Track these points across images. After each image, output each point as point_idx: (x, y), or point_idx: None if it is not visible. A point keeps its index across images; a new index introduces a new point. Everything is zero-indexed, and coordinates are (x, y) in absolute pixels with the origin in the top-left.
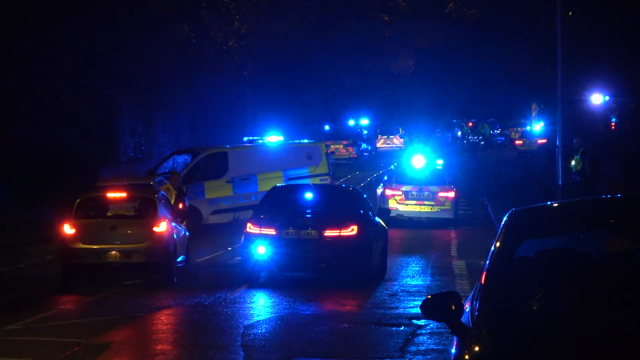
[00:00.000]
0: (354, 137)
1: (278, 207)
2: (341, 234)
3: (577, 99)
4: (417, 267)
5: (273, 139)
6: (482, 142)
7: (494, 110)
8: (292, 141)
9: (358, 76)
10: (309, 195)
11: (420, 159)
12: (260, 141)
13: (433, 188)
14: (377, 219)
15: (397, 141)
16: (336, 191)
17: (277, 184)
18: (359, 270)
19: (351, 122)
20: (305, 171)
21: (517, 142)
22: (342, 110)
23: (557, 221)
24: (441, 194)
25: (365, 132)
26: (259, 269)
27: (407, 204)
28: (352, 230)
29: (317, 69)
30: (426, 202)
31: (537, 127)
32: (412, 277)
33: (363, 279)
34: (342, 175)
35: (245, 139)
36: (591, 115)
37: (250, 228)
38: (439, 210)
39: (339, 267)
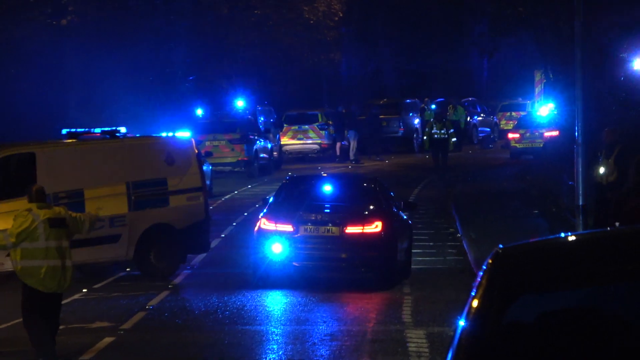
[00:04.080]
0: (244, 127)
1: (294, 200)
2: (364, 230)
3: (612, 57)
4: (350, 341)
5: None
6: (454, 139)
7: (473, 85)
8: (143, 136)
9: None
10: (327, 188)
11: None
12: (95, 134)
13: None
14: (402, 213)
15: (315, 135)
16: (357, 182)
17: (292, 174)
18: (383, 271)
19: (240, 103)
20: (162, 184)
21: (510, 135)
22: (224, 81)
23: (571, 266)
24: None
25: (261, 118)
26: (273, 268)
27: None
28: (376, 227)
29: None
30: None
31: (543, 110)
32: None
33: (386, 281)
34: (222, 190)
35: (64, 131)
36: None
37: (265, 224)
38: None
39: (361, 267)
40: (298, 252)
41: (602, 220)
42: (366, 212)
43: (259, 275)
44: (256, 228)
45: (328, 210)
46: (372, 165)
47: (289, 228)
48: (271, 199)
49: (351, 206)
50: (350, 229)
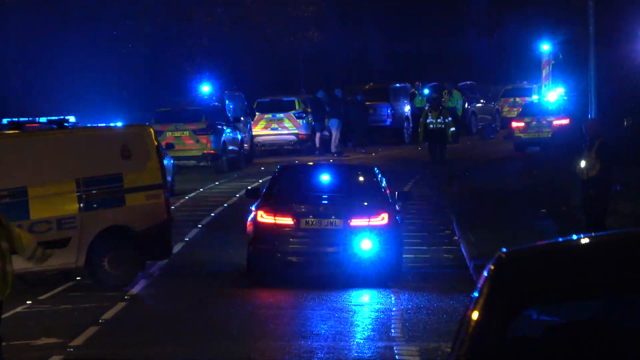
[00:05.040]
0: (211, 116)
1: (291, 191)
2: (370, 223)
3: (629, 34)
4: (329, 355)
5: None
6: (453, 128)
7: (471, 67)
8: (95, 126)
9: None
10: (325, 177)
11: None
12: (40, 124)
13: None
14: (396, 205)
15: (291, 125)
16: (354, 171)
17: (284, 164)
18: (391, 267)
19: (206, 89)
20: (117, 180)
21: (514, 124)
22: (187, 63)
23: (585, 273)
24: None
25: (230, 106)
26: (272, 265)
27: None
28: (382, 219)
29: None
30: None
31: (552, 95)
32: None
33: (393, 278)
34: (186, 187)
35: (4, 120)
36: None
37: (262, 217)
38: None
39: (367, 262)
40: (299, 247)
41: (592, 221)
42: (371, 203)
43: (256, 272)
44: (250, 221)
45: (330, 202)
46: (357, 158)
47: (289, 221)
48: (264, 190)
49: (353, 197)
50: (356, 221)
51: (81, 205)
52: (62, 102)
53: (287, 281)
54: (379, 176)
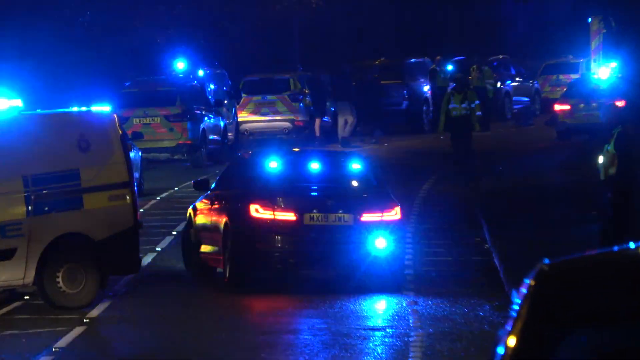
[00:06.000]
0: (187, 99)
1: (287, 182)
2: (383, 218)
3: None
4: None
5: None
6: (478, 112)
7: (504, 39)
8: (45, 112)
9: None
10: (316, 166)
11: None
12: None
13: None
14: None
15: (285, 109)
16: (350, 160)
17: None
18: (402, 268)
19: (181, 65)
20: (73, 178)
21: (558, 107)
22: (158, 34)
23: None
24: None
25: (211, 86)
26: (267, 269)
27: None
28: (395, 214)
29: None
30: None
31: (603, 72)
32: None
33: (409, 282)
34: (157, 186)
35: None
36: None
37: (258, 212)
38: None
39: (378, 263)
40: (303, 247)
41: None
42: (381, 196)
43: (251, 277)
44: (242, 218)
45: (337, 194)
46: (367, 149)
47: (291, 216)
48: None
49: (360, 190)
50: (367, 216)
51: (29, 208)
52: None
53: (282, 290)
54: (370, 164)
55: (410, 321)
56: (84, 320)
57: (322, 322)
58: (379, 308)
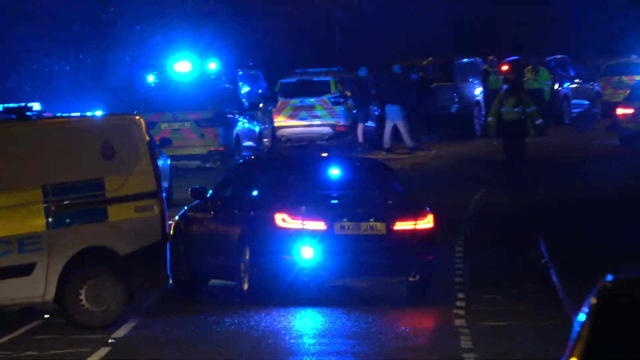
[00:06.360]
0: (219, 102)
1: (312, 190)
2: (417, 226)
3: None
4: None
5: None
6: (539, 120)
7: (562, 36)
8: (66, 115)
9: None
10: (337, 172)
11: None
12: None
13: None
14: None
15: (325, 113)
16: (370, 165)
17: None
18: (433, 279)
19: (212, 66)
20: (98, 188)
21: (621, 111)
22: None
23: None
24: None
25: (246, 89)
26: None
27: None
28: (428, 222)
29: None
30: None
31: None
32: None
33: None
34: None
35: None
36: None
37: (286, 221)
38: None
39: (412, 274)
40: (333, 258)
41: None
42: (413, 203)
43: (281, 290)
44: (265, 227)
45: (367, 202)
46: (411, 156)
47: (320, 226)
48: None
49: (390, 197)
50: (400, 225)
51: (49, 220)
52: (21, 85)
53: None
54: (392, 170)
55: (461, 341)
56: (109, 341)
57: (355, 342)
58: (421, 325)
